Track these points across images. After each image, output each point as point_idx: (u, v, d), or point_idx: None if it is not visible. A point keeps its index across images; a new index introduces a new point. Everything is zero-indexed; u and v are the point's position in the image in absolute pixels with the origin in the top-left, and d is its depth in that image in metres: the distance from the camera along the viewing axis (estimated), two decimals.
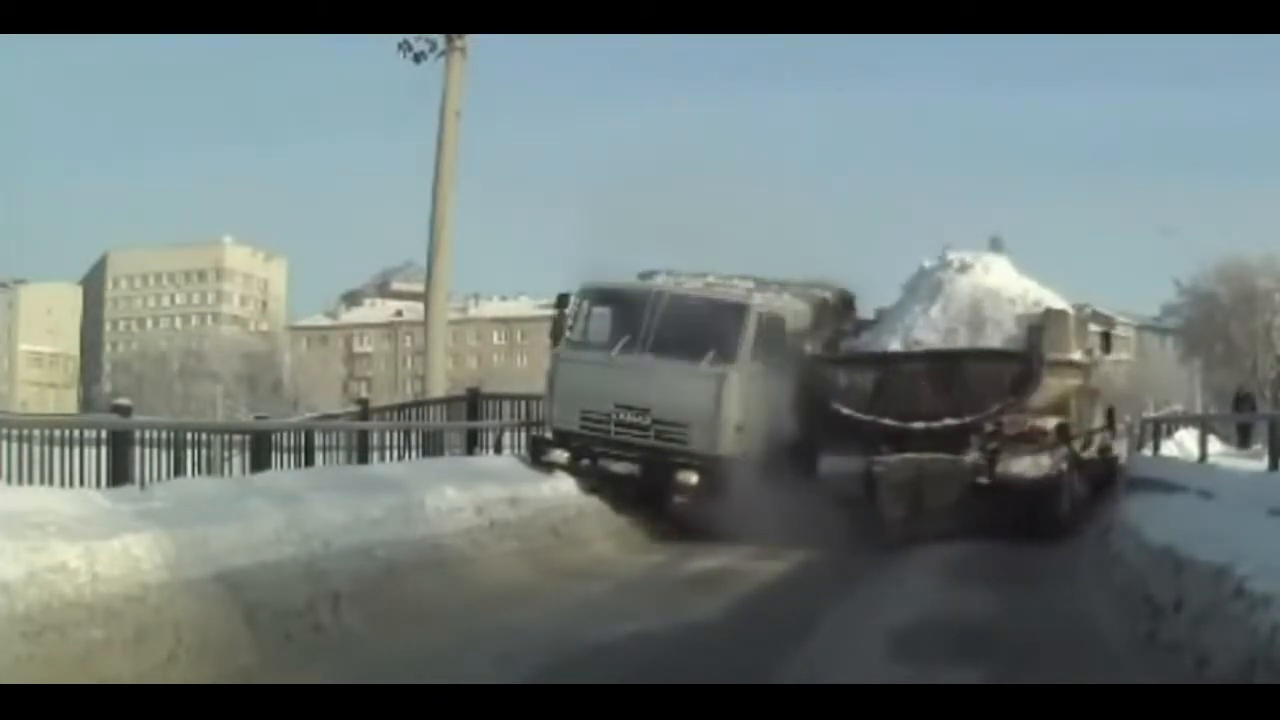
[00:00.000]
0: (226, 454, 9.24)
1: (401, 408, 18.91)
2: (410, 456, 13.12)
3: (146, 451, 8.90)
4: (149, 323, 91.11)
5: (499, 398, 16.05)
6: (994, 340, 11.81)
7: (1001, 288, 12.28)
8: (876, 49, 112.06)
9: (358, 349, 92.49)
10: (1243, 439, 17.23)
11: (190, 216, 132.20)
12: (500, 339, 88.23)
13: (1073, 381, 12.44)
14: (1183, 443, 14.61)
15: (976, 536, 10.42)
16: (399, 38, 16.08)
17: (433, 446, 13.71)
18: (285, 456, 10.77)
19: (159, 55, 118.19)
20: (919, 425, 11.16)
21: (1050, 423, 11.46)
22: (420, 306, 22.78)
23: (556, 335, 12.02)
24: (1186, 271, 53.45)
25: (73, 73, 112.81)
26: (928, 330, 12.08)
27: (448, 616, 6.86)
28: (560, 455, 11.25)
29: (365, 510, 7.63)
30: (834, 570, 9.16)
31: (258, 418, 15.18)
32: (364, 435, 12.58)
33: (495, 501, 9.23)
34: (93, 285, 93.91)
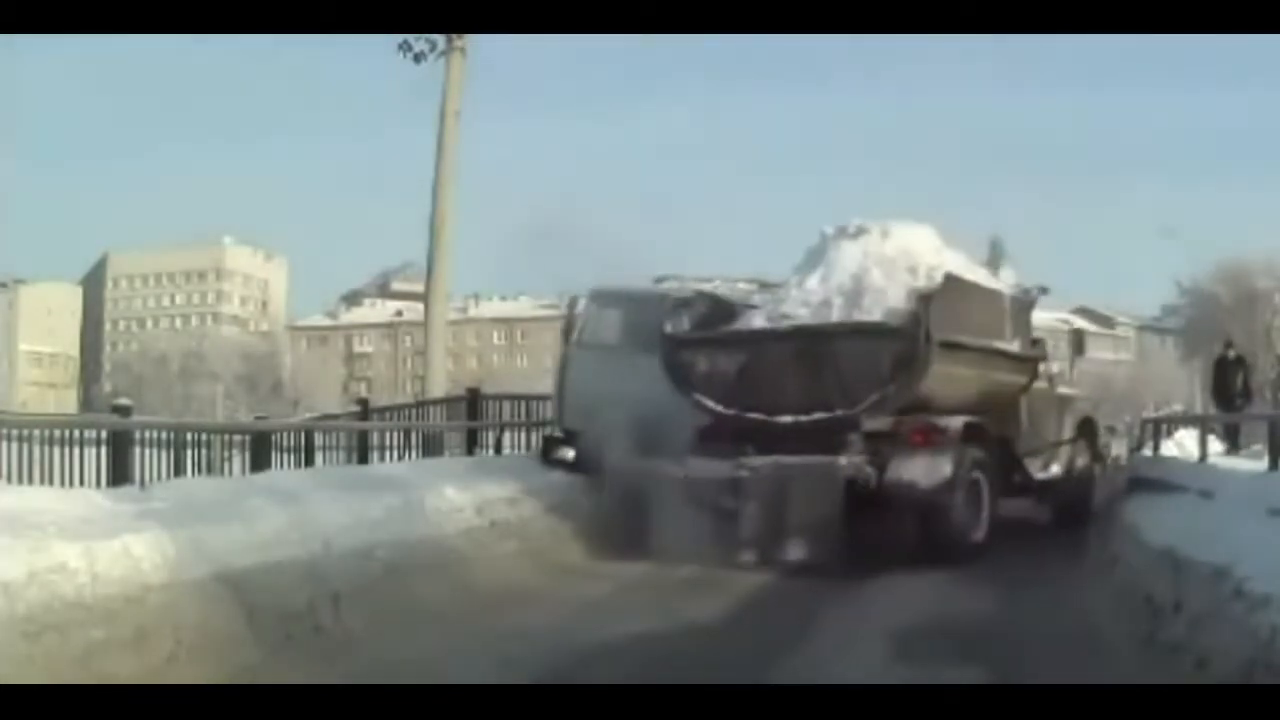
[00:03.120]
0: (226, 454, 9.25)
1: (401, 408, 18.93)
2: (410, 457, 13.14)
3: (146, 451, 8.92)
4: (149, 323, 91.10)
5: (499, 398, 16.08)
6: (874, 315, 9.55)
7: (901, 257, 10.02)
8: (876, 49, 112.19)
9: (358, 349, 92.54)
10: (1231, 440, 14.40)
11: (190, 216, 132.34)
12: (500, 339, 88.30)
13: (1005, 377, 10.35)
14: (1183, 443, 14.56)
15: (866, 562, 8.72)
16: (399, 38, 16.09)
17: (433, 447, 13.73)
18: (285, 456, 10.80)
19: (159, 55, 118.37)
20: (786, 420, 9.40)
21: (955, 421, 9.36)
22: (420, 306, 22.79)
23: (567, 336, 12.22)
24: (1186, 271, 53.79)
25: (73, 72, 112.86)
26: (798, 304, 10.04)
27: (448, 617, 6.86)
28: (570, 453, 11.36)
29: (365, 510, 7.64)
30: (844, 566, 9.03)
31: (258, 418, 15.19)
32: (364, 435, 12.60)
33: (496, 501, 9.24)
34: (93, 285, 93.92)
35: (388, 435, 13.67)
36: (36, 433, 8.75)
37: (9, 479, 7.88)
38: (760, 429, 9.48)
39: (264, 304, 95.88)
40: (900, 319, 9.28)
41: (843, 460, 9.05)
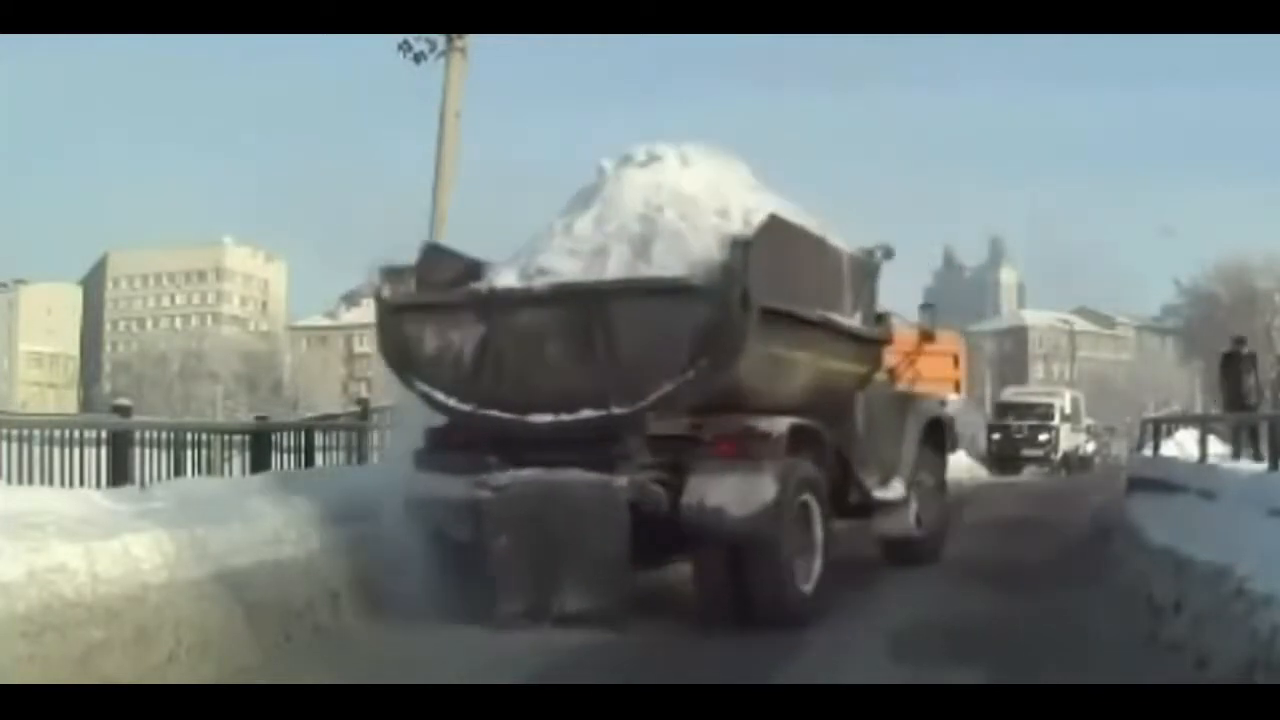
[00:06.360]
0: (226, 454, 9.25)
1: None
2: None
3: (146, 451, 8.90)
4: (149, 323, 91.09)
5: None
6: (669, 269, 6.74)
7: (707, 194, 7.31)
8: (876, 49, 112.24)
9: (358, 349, 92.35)
10: (1243, 443, 12.66)
11: (190, 216, 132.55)
12: None
13: (843, 365, 7.83)
14: (1183, 444, 14.55)
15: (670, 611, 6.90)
16: (399, 38, 16.08)
17: None
18: (285, 456, 10.76)
19: (159, 55, 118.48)
20: (543, 419, 6.66)
21: (780, 424, 6.69)
22: None
23: None
24: (1186, 271, 53.92)
25: (73, 72, 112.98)
26: (562, 254, 7.16)
27: (448, 615, 6.85)
28: None
29: (365, 509, 7.63)
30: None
31: (258, 418, 15.16)
32: (364, 435, 12.59)
33: None
34: (93, 285, 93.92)
35: (388, 435, 13.65)
36: (36, 433, 8.71)
37: (9, 479, 7.85)
38: (508, 432, 6.79)
39: (264, 304, 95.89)
40: (707, 275, 6.52)
41: (621, 478, 6.50)
